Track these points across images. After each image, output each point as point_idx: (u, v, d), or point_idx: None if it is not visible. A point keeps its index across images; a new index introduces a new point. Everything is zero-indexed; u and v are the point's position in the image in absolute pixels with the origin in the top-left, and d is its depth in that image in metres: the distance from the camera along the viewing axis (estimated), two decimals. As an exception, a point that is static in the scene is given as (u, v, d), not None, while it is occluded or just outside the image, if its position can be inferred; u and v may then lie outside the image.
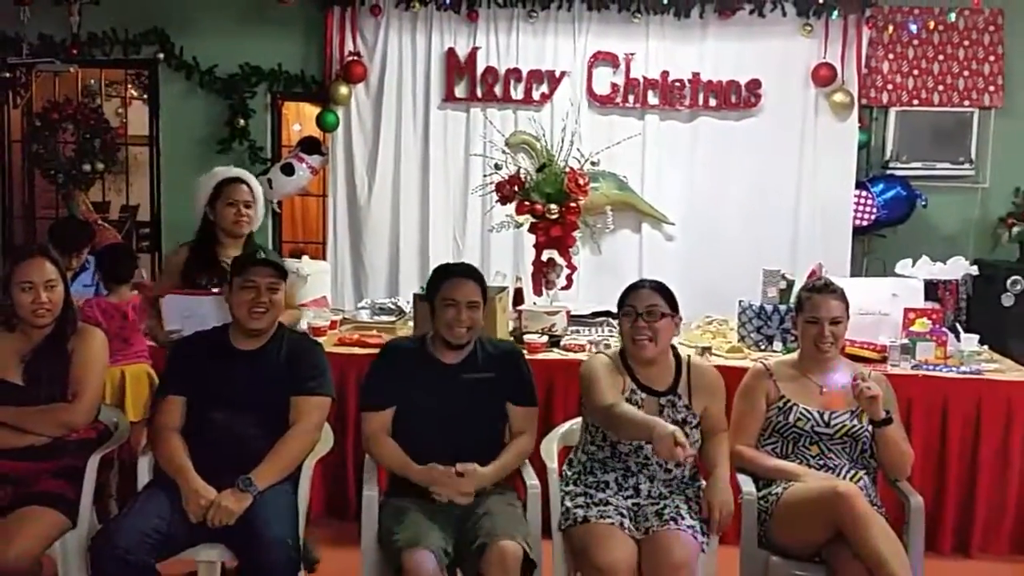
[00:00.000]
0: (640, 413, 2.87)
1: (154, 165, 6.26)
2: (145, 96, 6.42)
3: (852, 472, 3.07)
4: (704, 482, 3.07)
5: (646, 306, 3.03)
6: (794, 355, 3.33)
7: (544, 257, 4.72)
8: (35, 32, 6.01)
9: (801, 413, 3.12)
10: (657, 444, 2.66)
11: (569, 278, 4.74)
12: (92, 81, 6.62)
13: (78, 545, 2.93)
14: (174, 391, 3.08)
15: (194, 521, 2.84)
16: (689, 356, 3.21)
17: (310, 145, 5.84)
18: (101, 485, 3.19)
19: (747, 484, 3.07)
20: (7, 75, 6.16)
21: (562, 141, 4.73)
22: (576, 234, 4.72)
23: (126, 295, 4.26)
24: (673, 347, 3.16)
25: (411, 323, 4.49)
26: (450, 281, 3.12)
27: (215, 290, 3.51)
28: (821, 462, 3.08)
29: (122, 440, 3.30)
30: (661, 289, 3.09)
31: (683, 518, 2.88)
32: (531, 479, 3.11)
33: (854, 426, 3.10)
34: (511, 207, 4.73)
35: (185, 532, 2.85)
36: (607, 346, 4.06)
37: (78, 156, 6.16)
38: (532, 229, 4.71)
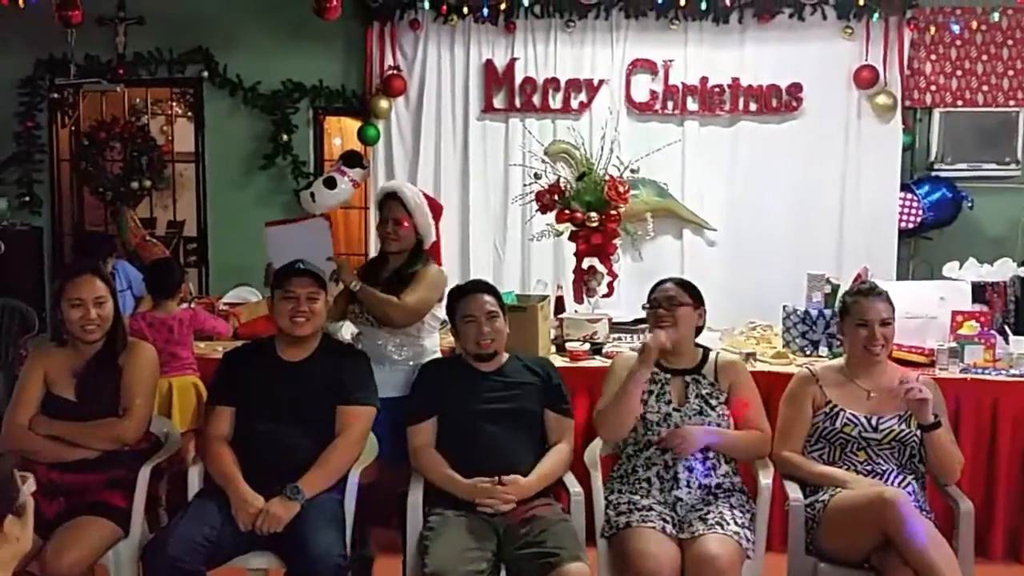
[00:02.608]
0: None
1: (200, 181, 6.37)
2: (190, 114, 6.54)
3: (900, 477, 3.03)
4: (747, 495, 3.09)
5: (666, 296, 3.20)
6: (840, 360, 3.30)
7: (585, 265, 4.71)
8: (82, 53, 6.16)
9: (848, 418, 3.08)
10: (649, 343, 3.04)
11: (611, 285, 4.74)
12: (138, 100, 6.75)
13: (130, 554, 2.98)
14: (222, 401, 3.15)
15: (243, 529, 2.88)
16: (718, 351, 3.37)
17: (351, 158, 5.90)
18: (152, 495, 3.23)
19: (794, 491, 3.04)
20: (55, 96, 6.32)
21: (601, 149, 4.74)
22: (617, 241, 4.72)
23: (172, 309, 4.33)
24: (703, 346, 3.32)
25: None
26: (465, 299, 3.24)
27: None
28: (869, 468, 3.04)
29: (174, 450, 3.36)
30: (684, 284, 3.28)
31: (728, 524, 2.87)
32: (574, 487, 3.12)
33: (902, 431, 3.06)
34: (551, 216, 4.74)
35: (235, 540, 2.89)
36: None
37: (125, 173, 6.30)
38: (572, 237, 4.71)
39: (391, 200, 3.56)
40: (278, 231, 3.50)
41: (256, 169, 6.15)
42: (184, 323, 4.30)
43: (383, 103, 5.87)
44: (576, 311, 4.77)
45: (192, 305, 4.65)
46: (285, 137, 6.10)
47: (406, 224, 3.53)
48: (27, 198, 6.38)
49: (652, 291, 3.28)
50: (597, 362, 4.25)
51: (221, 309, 4.81)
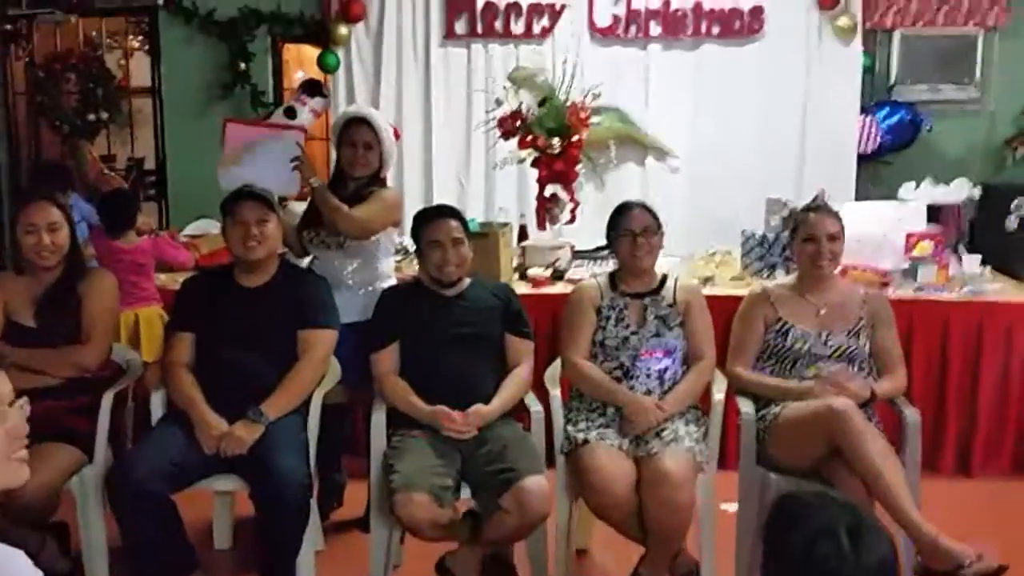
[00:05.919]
0: (606, 380, 3.11)
1: (157, 114, 6.28)
2: (147, 47, 6.42)
3: (849, 392, 3.10)
4: (700, 410, 3.16)
5: (642, 226, 3.21)
6: (792, 277, 3.36)
7: (547, 192, 4.72)
8: (34, -17, 6.01)
9: (799, 335, 3.15)
10: (633, 416, 2.99)
11: (573, 212, 4.75)
12: (94, 32, 6.62)
13: (95, 480, 3.01)
14: (182, 327, 3.15)
15: (208, 452, 2.91)
16: (677, 275, 3.39)
17: (312, 87, 5.81)
18: (117, 425, 3.25)
19: (746, 405, 3.11)
20: (8, 27, 6.17)
21: (564, 75, 4.72)
22: (579, 169, 4.73)
23: (133, 239, 4.32)
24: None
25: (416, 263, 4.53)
26: (431, 223, 3.21)
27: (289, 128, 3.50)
28: (819, 383, 3.11)
29: (135, 377, 3.37)
30: (648, 208, 3.30)
31: (682, 439, 2.94)
32: (535, 406, 3.18)
33: (851, 346, 3.12)
34: (514, 143, 4.73)
35: (199, 463, 2.92)
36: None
37: (82, 106, 6.21)
38: (535, 164, 4.72)
39: (360, 124, 3.51)
40: (239, 131, 3.43)
41: (215, 99, 6.06)
42: (146, 253, 4.30)
43: (342, 29, 5.78)
44: (539, 239, 4.79)
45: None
46: (243, 66, 6.00)
47: (375, 149, 3.51)
48: (-17, 132, 6.28)
49: (618, 216, 3.26)
50: (559, 288, 4.29)
51: (182, 241, 4.78)
